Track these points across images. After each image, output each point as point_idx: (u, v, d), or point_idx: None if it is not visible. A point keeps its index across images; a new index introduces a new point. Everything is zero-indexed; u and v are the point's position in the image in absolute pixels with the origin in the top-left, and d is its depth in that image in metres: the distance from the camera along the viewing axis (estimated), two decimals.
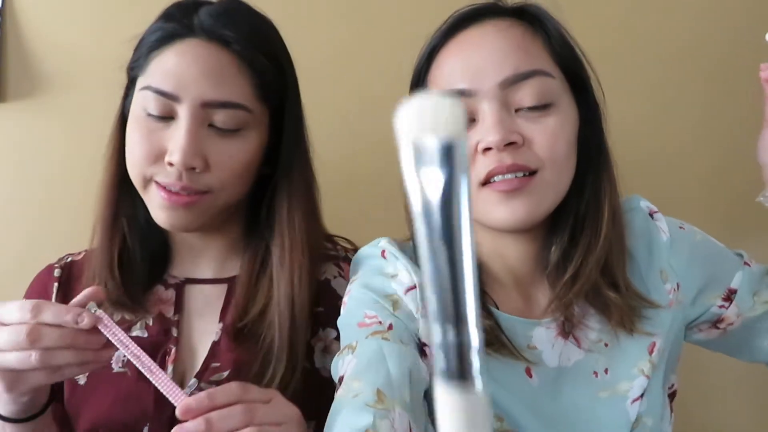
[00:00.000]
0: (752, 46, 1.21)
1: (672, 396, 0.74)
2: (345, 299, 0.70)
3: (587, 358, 0.68)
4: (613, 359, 0.68)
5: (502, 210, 0.63)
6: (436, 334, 0.26)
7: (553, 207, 0.66)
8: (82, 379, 0.75)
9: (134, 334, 0.76)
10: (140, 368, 0.59)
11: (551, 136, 0.63)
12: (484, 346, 0.61)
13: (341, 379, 0.61)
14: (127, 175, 0.75)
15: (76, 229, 1.12)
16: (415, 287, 0.67)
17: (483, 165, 0.62)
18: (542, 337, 0.68)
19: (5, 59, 1.10)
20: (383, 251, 0.71)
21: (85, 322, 0.58)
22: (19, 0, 1.11)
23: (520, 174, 0.62)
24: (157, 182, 0.71)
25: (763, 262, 0.79)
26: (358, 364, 0.60)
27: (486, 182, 0.63)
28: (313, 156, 0.81)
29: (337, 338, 0.72)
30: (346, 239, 0.87)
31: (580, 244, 0.67)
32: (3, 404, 0.63)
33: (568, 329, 0.68)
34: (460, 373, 0.25)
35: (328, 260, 0.82)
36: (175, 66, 0.70)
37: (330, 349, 0.77)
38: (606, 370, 0.68)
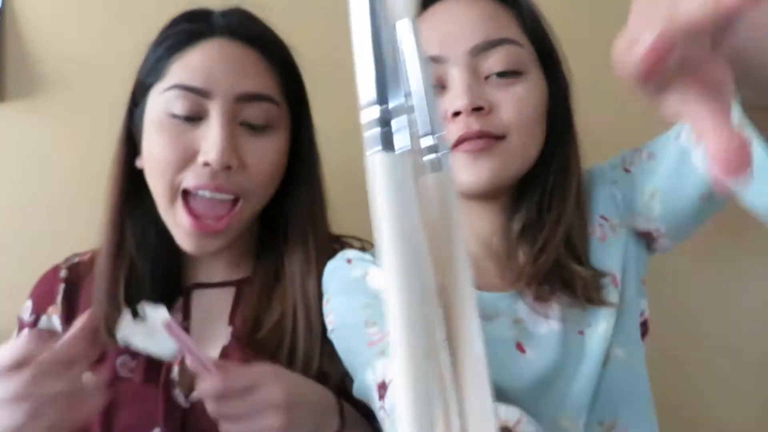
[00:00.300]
0: None
1: (644, 326, 0.70)
2: (330, 318, 0.68)
3: (571, 317, 0.66)
4: (596, 317, 0.65)
5: (468, 172, 0.64)
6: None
7: (519, 173, 0.67)
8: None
9: None
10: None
11: (518, 103, 0.64)
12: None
13: (383, 384, 0.58)
14: (134, 196, 0.74)
15: (77, 229, 1.12)
16: None
17: (453, 130, 0.63)
18: (524, 307, 0.66)
19: (5, 59, 1.10)
20: (348, 260, 0.71)
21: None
22: (19, 0, 1.11)
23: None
24: (185, 196, 0.68)
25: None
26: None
27: (455, 146, 0.64)
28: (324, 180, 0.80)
29: None
30: (354, 237, 0.85)
31: (548, 217, 0.67)
32: None
33: (543, 297, 0.66)
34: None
35: None
36: (203, 62, 0.68)
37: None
38: (590, 324, 0.65)
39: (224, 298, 0.77)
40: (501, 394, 0.62)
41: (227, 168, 0.67)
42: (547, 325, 0.66)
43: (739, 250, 1.28)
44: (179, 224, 0.70)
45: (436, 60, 0.65)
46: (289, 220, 0.75)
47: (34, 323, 0.78)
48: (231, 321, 0.75)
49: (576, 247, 0.68)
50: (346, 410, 0.67)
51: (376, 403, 0.59)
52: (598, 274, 0.67)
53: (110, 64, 1.14)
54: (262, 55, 0.72)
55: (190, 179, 0.68)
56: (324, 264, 0.72)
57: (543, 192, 0.68)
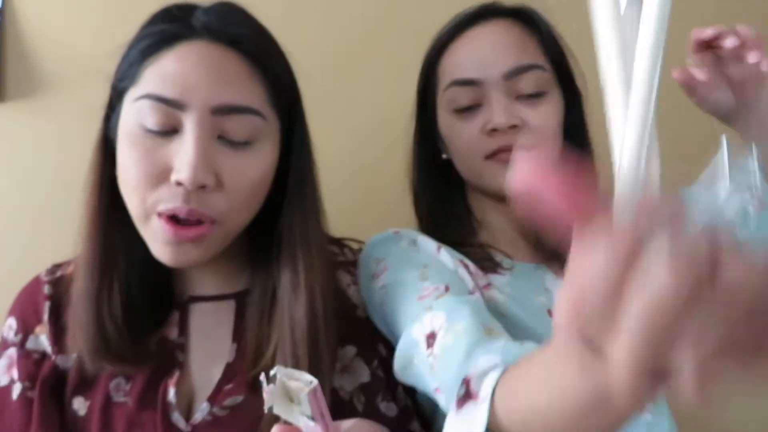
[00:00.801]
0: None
1: None
2: (382, 277, 0.72)
3: None
4: None
5: (505, 178, 0.72)
6: None
7: None
8: (82, 410, 0.69)
9: None
10: None
11: (544, 119, 0.76)
12: (510, 298, 0.73)
13: (433, 334, 0.62)
14: (115, 205, 0.66)
15: (77, 230, 1.12)
16: (440, 247, 0.75)
17: (490, 143, 0.76)
18: (552, 280, 0.79)
19: (5, 59, 1.10)
20: (395, 232, 0.79)
21: None
22: (20, 0, 1.10)
23: None
24: (159, 213, 0.62)
25: None
26: (445, 314, 0.63)
27: (492, 156, 0.76)
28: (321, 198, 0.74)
29: (357, 354, 0.72)
30: (354, 239, 0.82)
31: None
32: None
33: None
34: None
35: (337, 267, 0.76)
36: (178, 69, 0.61)
37: (350, 368, 0.71)
38: None
39: (224, 313, 0.73)
40: None
41: (202, 187, 0.61)
42: None
43: None
44: (155, 234, 0.63)
45: (472, 83, 0.77)
46: (282, 236, 0.69)
47: (22, 344, 0.72)
48: (235, 338, 0.71)
49: None
50: None
51: (423, 353, 0.62)
52: None
53: (110, 64, 1.13)
54: (247, 60, 0.64)
55: (162, 203, 0.61)
56: (322, 277, 0.68)
57: None
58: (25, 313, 0.74)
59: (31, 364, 0.71)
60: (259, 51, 0.65)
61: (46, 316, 0.72)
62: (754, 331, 0.28)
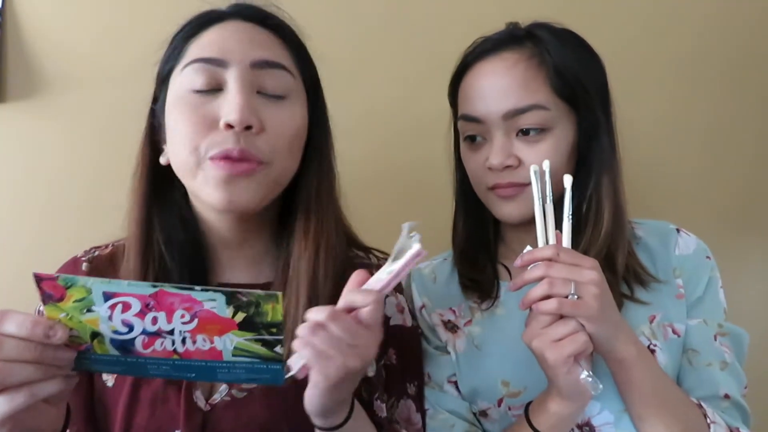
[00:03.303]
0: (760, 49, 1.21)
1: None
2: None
3: None
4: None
5: (503, 210, 0.83)
6: None
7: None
8: (110, 381, 0.73)
9: None
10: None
11: (542, 157, 0.78)
12: (491, 303, 0.86)
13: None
14: (160, 193, 0.74)
15: (78, 228, 1.12)
16: (423, 306, 0.91)
17: (490, 177, 0.83)
18: None
19: (5, 59, 1.10)
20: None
21: (58, 336, 0.53)
22: (20, 0, 1.11)
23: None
24: (212, 157, 0.68)
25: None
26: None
27: (491, 188, 0.83)
28: (335, 157, 0.80)
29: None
30: (384, 252, 0.85)
31: (582, 238, 0.81)
32: None
33: None
34: None
35: (360, 268, 0.79)
36: (218, 37, 0.70)
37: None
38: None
39: None
40: None
41: (248, 128, 0.68)
42: None
43: (739, 251, 1.28)
44: (208, 179, 0.68)
45: (476, 120, 0.82)
46: (297, 201, 0.76)
47: None
48: None
49: (614, 260, 0.81)
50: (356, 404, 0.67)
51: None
52: (643, 274, 0.83)
53: (110, 64, 1.14)
54: (275, 33, 0.73)
55: (214, 148, 0.67)
56: (329, 234, 0.74)
57: (577, 215, 0.82)
58: None
59: None
60: (284, 28, 0.75)
61: None
62: None
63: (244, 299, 0.55)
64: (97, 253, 0.81)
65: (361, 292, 0.60)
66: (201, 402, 0.70)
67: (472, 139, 0.84)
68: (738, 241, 1.28)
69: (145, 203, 0.74)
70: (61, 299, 0.55)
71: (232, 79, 0.68)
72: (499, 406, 0.82)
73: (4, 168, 1.11)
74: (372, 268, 0.78)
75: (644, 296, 0.81)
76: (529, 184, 0.76)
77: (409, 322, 0.83)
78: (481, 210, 0.89)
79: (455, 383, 0.85)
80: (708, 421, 0.73)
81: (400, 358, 0.79)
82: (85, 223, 1.11)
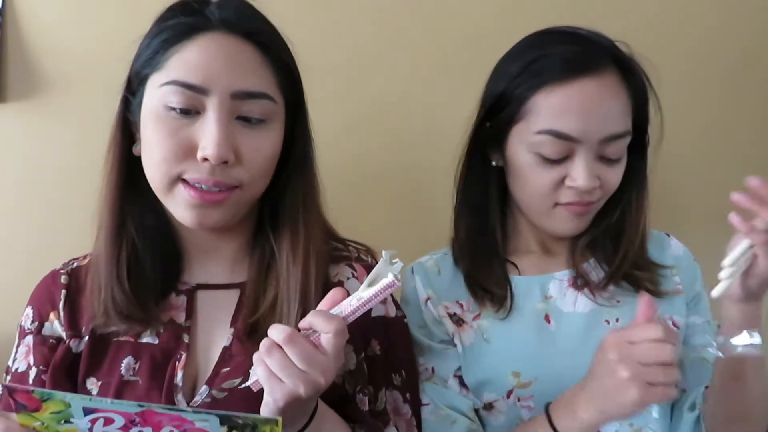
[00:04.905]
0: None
1: None
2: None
3: (600, 309, 0.85)
4: (624, 314, 0.84)
5: (569, 225, 0.84)
6: None
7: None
8: (94, 390, 0.74)
9: (145, 340, 0.74)
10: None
11: (617, 179, 0.83)
12: (506, 313, 0.86)
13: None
14: (131, 181, 0.74)
15: (79, 229, 1.11)
16: (428, 299, 0.90)
17: (567, 194, 0.82)
18: (556, 287, 0.88)
19: (5, 59, 1.10)
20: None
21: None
22: (20, 0, 1.10)
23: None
24: (184, 180, 0.69)
25: None
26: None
27: (563, 204, 0.82)
28: (317, 159, 0.80)
29: (348, 341, 0.74)
30: (361, 244, 0.86)
31: (620, 247, 0.86)
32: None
33: (580, 284, 0.87)
34: None
35: (339, 261, 0.81)
36: (201, 58, 0.69)
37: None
38: (617, 320, 0.85)
39: (228, 300, 0.77)
40: None
41: (224, 163, 0.68)
42: (581, 306, 0.87)
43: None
44: (179, 201, 0.70)
45: (568, 138, 0.79)
46: (281, 212, 0.76)
47: (38, 331, 0.78)
48: (233, 323, 0.75)
49: (644, 260, 0.87)
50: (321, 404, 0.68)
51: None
52: (659, 269, 0.88)
53: (111, 64, 1.13)
54: (259, 50, 0.71)
55: (189, 173, 0.69)
56: (317, 243, 0.75)
57: (609, 221, 0.88)
58: (41, 302, 0.79)
59: (47, 349, 0.76)
60: (269, 42, 0.73)
61: (61, 303, 0.78)
62: None
63: (240, 421, 0.53)
64: (75, 264, 0.82)
65: (326, 316, 0.60)
66: (183, 405, 0.70)
67: (550, 158, 0.80)
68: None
69: (117, 191, 0.74)
70: (36, 410, 0.54)
71: (211, 108, 0.68)
72: (508, 397, 0.82)
73: (4, 168, 1.11)
74: (351, 261, 0.82)
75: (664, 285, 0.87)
76: (594, 203, 0.83)
77: (392, 312, 0.83)
78: (486, 213, 0.89)
79: (460, 377, 0.86)
80: None
81: (385, 348, 0.80)
82: (86, 223, 1.10)
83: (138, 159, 0.74)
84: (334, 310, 0.61)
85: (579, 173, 0.79)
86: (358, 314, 0.60)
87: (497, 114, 0.84)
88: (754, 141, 1.30)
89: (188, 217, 0.70)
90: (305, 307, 0.71)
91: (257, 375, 0.59)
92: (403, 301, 0.92)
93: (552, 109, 0.79)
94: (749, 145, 1.30)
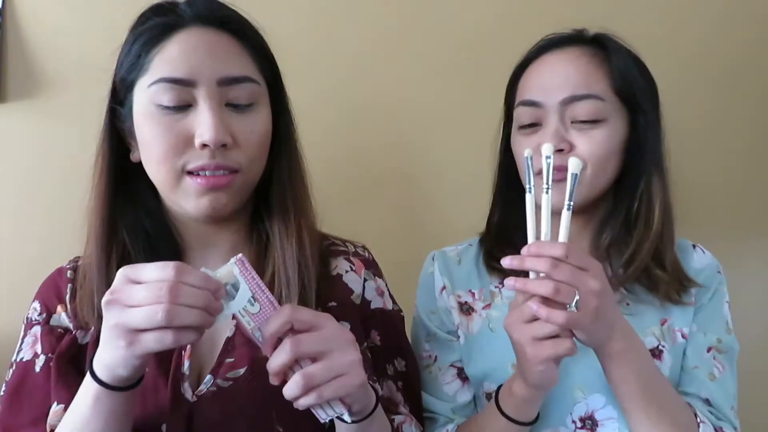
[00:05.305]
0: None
1: None
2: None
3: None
4: (632, 317, 0.81)
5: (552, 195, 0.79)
6: None
7: (593, 197, 0.85)
8: None
9: None
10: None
11: (593, 145, 0.82)
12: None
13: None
14: (122, 188, 0.76)
15: (80, 229, 1.12)
16: (444, 288, 0.92)
17: (540, 161, 0.80)
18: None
19: (5, 59, 1.10)
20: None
21: (221, 293, 0.60)
22: (20, 0, 1.11)
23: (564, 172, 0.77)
24: (189, 172, 0.71)
25: None
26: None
27: (538, 172, 0.79)
28: (303, 153, 0.82)
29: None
30: (340, 238, 0.88)
31: (634, 234, 0.85)
32: (115, 368, 0.60)
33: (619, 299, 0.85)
34: None
35: (338, 255, 0.83)
36: (182, 53, 0.71)
37: None
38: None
39: None
40: None
41: (223, 146, 0.71)
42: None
43: (740, 252, 1.29)
44: (188, 192, 0.72)
45: (536, 105, 0.85)
46: (270, 192, 0.79)
47: (46, 321, 0.79)
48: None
49: (662, 258, 0.85)
50: None
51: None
52: (685, 278, 0.86)
53: (111, 65, 1.13)
54: (236, 39, 0.74)
55: (192, 162, 0.71)
56: (307, 218, 0.78)
57: (628, 212, 0.86)
58: (48, 295, 0.81)
59: (54, 338, 0.77)
60: (243, 28, 0.76)
61: (68, 297, 0.80)
62: None
63: None
64: (80, 262, 0.82)
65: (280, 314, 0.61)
66: (188, 394, 0.71)
67: (525, 126, 0.86)
68: (736, 243, 1.29)
69: (105, 199, 0.76)
70: None
71: (201, 98, 0.71)
72: None
73: (4, 168, 1.11)
74: (349, 256, 0.84)
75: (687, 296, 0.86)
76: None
77: (389, 305, 0.86)
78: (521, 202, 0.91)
79: (458, 369, 0.89)
80: (698, 420, 0.75)
81: (383, 339, 0.83)
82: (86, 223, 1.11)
83: (127, 166, 0.76)
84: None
85: (544, 133, 0.83)
86: (266, 293, 0.62)
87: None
88: (752, 141, 1.30)
89: (201, 204, 0.72)
90: (305, 278, 0.74)
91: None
92: (419, 285, 0.95)
93: (522, 85, 0.88)
94: (745, 145, 1.30)
